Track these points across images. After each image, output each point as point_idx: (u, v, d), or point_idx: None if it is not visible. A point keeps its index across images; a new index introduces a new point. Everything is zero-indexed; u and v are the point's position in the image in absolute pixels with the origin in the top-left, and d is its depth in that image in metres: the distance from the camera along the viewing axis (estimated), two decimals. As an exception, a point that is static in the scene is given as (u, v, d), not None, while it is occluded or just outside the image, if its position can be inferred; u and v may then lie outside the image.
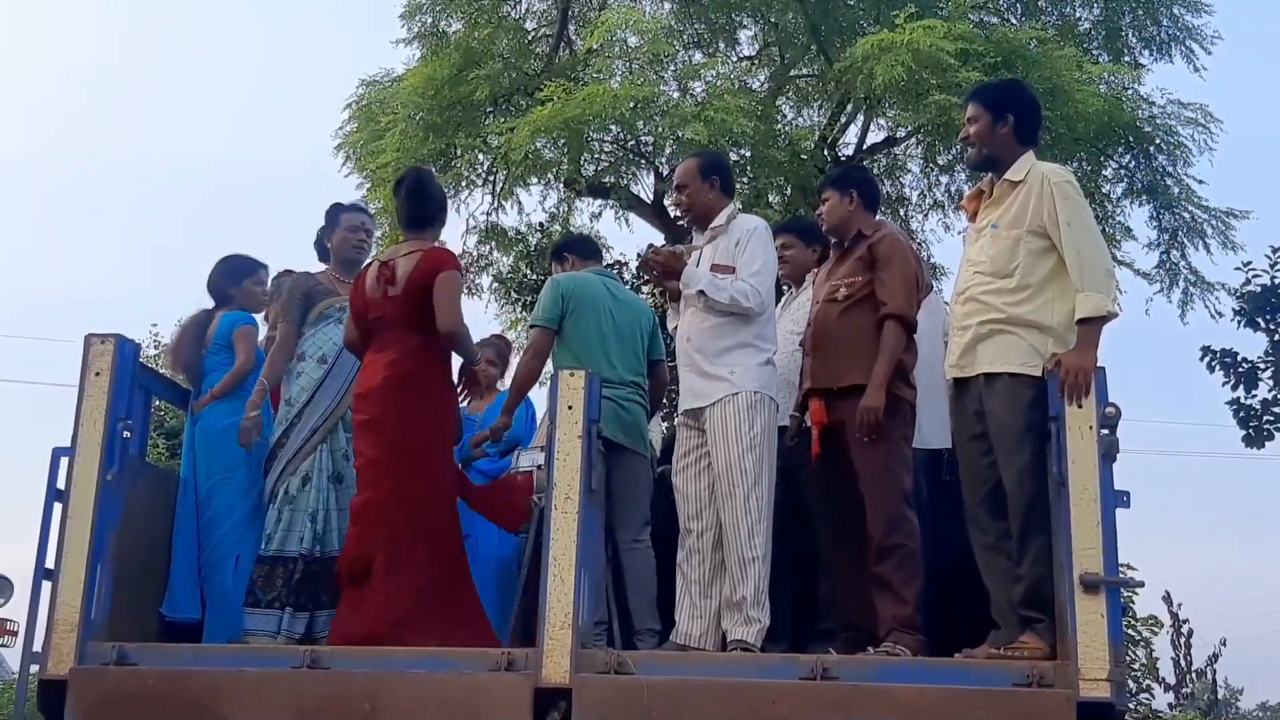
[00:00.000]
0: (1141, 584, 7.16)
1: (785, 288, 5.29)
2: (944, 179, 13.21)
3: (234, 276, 5.33)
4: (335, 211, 5.30)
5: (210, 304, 5.36)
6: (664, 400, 5.73)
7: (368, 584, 4.35)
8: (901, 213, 13.62)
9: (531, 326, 5.08)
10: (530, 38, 13.35)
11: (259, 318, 5.44)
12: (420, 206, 4.74)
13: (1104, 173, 12.25)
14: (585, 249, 5.54)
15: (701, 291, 4.47)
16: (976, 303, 4.06)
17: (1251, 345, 12.70)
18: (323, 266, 5.29)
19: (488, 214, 13.32)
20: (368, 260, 4.99)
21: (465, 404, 5.97)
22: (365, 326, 4.64)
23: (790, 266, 5.17)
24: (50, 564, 4.20)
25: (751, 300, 4.47)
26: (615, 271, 12.70)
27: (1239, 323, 12.58)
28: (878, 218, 4.74)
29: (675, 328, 4.72)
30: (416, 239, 4.69)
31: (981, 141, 4.19)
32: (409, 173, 4.98)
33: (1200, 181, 11.98)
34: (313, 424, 4.90)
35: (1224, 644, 20.98)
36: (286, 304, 5.06)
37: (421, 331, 4.52)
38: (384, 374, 4.50)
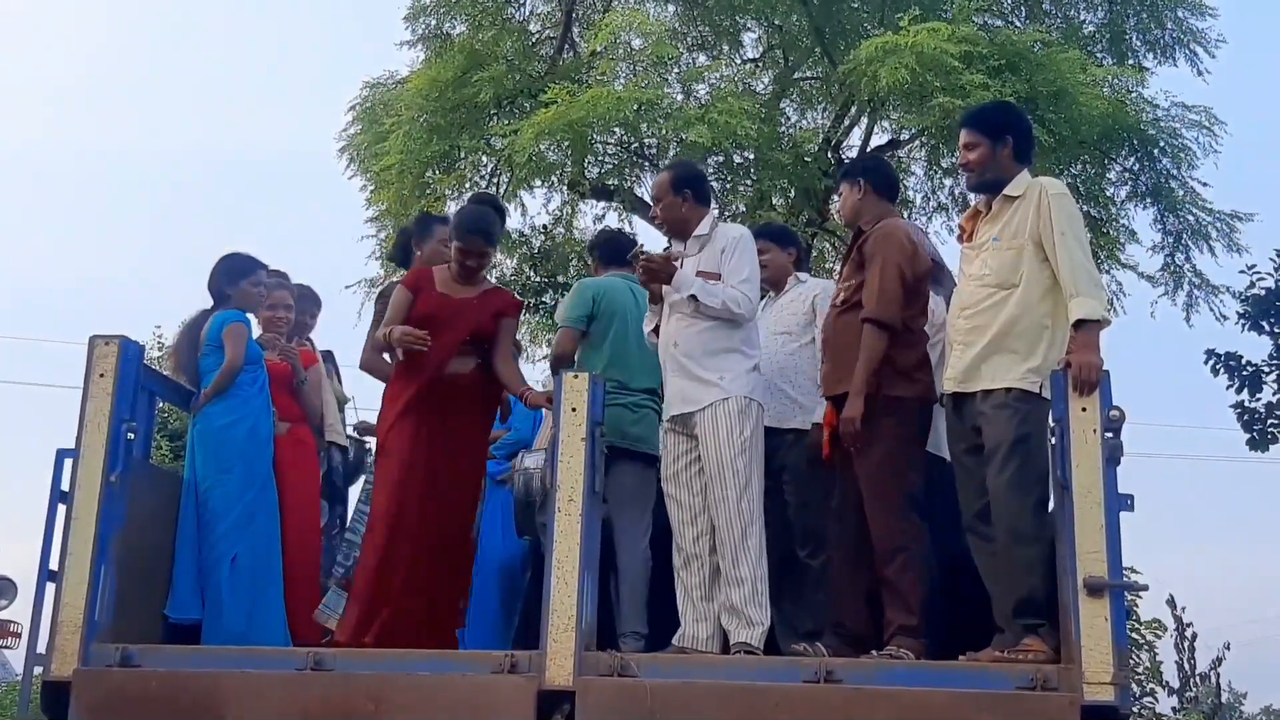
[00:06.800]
0: (1145, 587, 7.16)
1: (763, 291, 5.32)
2: (948, 181, 13.19)
3: (231, 276, 5.32)
4: (429, 222, 5.49)
5: (210, 304, 5.34)
6: None
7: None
8: (906, 215, 13.61)
9: (560, 327, 5.05)
10: (534, 40, 13.35)
11: (252, 317, 5.43)
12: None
13: (1108, 175, 12.21)
14: (606, 254, 5.33)
15: (693, 296, 4.49)
16: (982, 315, 4.09)
17: (1256, 348, 12.73)
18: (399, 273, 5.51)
19: (491, 216, 13.29)
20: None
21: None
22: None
23: (769, 270, 5.17)
24: (54, 565, 4.22)
25: (743, 307, 4.49)
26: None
27: (1243, 326, 12.59)
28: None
29: (650, 330, 4.72)
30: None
31: (983, 167, 4.24)
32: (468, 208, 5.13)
33: (1204, 184, 11.95)
34: None
35: (1228, 648, 20.95)
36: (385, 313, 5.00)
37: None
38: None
